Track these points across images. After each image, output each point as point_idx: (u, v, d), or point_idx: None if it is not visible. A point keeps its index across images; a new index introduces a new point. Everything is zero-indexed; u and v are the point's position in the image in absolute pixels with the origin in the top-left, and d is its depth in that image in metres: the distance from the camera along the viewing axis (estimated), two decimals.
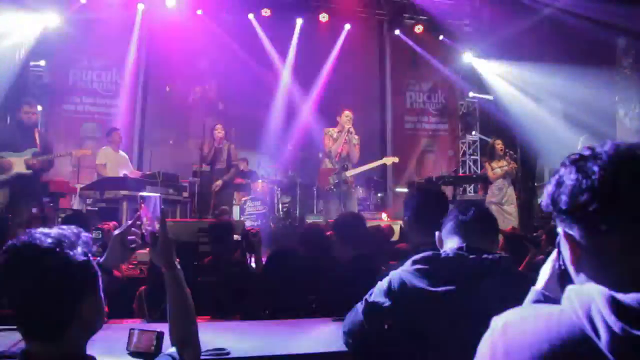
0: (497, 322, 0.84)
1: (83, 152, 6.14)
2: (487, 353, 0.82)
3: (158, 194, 5.98)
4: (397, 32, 9.85)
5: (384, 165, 8.21)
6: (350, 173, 6.86)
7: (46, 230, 1.21)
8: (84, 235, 1.25)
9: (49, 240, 1.17)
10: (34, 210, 5.76)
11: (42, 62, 8.21)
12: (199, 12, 8.77)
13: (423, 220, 2.32)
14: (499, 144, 7.11)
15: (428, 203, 2.38)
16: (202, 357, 1.78)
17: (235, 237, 3.92)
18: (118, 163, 6.74)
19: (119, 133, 7.01)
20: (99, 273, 1.25)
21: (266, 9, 8.83)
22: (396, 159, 7.62)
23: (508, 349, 0.79)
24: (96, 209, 6.09)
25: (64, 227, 1.24)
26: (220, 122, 7.17)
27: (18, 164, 5.33)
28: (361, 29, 9.81)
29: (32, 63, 8.03)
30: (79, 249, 1.20)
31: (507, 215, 6.74)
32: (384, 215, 8.18)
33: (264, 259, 3.55)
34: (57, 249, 1.16)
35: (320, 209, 7.68)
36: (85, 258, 1.20)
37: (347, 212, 3.13)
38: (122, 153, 6.93)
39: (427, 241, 2.29)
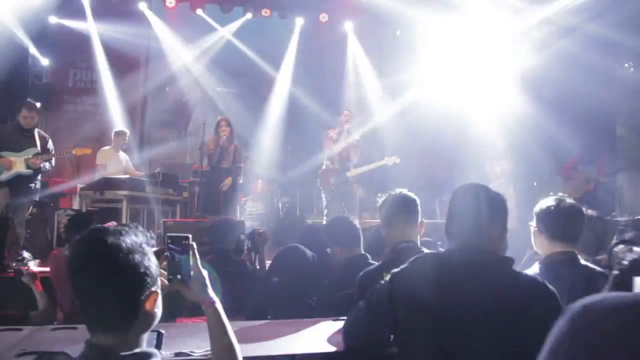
0: (575, 306, 0.78)
1: (84, 152, 6.14)
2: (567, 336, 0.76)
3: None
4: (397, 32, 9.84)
5: (385, 165, 8.21)
6: (351, 174, 6.86)
7: (112, 226, 1.24)
8: (145, 231, 1.29)
9: (120, 237, 1.21)
10: (34, 210, 5.76)
11: (46, 62, 8.21)
12: (199, 10, 8.76)
13: (392, 223, 2.49)
14: (499, 143, 7.09)
15: (394, 206, 2.50)
16: (202, 357, 1.78)
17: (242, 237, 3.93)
18: (118, 163, 6.72)
19: (126, 136, 6.88)
20: (158, 270, 1.29)
21: (266, 9, 8.81)
22: (397, 160, 7.62)
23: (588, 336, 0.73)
24: (96, 209, 6.09)
25: (126, 223, 1.28)
26: (224, 119, 6.89)
27: (18, 164, 5.33)
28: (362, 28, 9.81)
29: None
30: (144, 247, 1.24)
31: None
32: None
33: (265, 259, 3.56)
34: (125, 245, 1.20)
35: (321, 209, 7.68)
36: (150, 256, 1.25)
37: (338, 215, 3.19)
38: (122, 154, 6.89)
39: (405, 239, 2.43)
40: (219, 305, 1.45)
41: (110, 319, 1.20)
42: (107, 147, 6.80)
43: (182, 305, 3.15)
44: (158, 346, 1.78)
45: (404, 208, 2.47)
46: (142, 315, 1.22)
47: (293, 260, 2.94)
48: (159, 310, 1.28)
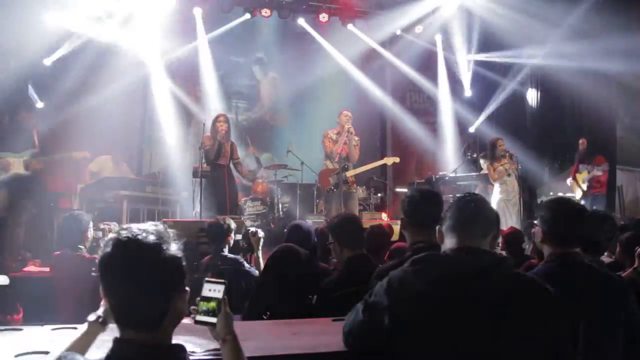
0: None
1: (83, 155, 6.12)
2: None
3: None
4: (398, 32, 9.85)
5: (384, 165, 8.22)
6: (350, 173, 6.86)
7: (144, 226, 1.29)
8: (169, 230, 1.34)
9: (152, 236, 1.26)
10: (33, 210, 5.75)
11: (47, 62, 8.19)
12: (198, 9, 8.75)
13: (416, 220, 2.45)
14: (500, 143, 7.05)
15: (421, 202, 2.45)
16: (201, 357, 1.78)
17: (238, 237, 3.93)
18: (115, 173, 6.60)
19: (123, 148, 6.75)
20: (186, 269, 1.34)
21: (266, 9, 8.81)
22: (397, 159, 7.62)
23: None
24: (96, 209, 6.09)
25: (157, 224, 1.33)
26: (222, 115, 6.81)
27: (16, 165, 5.33)
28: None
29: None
30: (174, 245, 1.30)
31: (513, 207, 6.77)
32: (384, 215, 8.18)
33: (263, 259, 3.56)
34: (159, 245, 1.26)
35: (321, 209, 7.68)
36: (179, 254, 1.30)
37: (342, 213, 3.16)
38: (123, 165, 6.78)
39: (421, 239, 2.37)
40: (238, 341, 1.51)
41: (146, 317, 1.26)
42: (107, 157, 6.70)
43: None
44: None
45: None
46: (173, 312, 1.28)
47: (287, 260, 2.94)
48: (187, 307, 1.35)
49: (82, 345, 1.50)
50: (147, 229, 1.27)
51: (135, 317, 1.26)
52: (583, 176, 7.76)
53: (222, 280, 1.53)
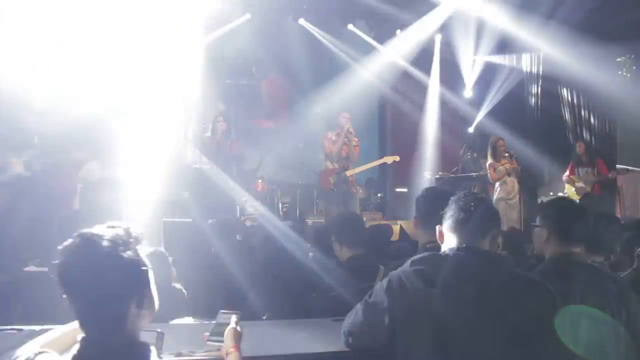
0: None
1: (82, 155, 6.08)
2: None
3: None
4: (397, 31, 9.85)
5: (385, 165, 8.21)
6: (350, 172, 6.86)
7: (99, 229, 1.29)
8: (134, 231, 1.33)
9: (105, 241, 1.26)
10: (34, 211, 5.74)
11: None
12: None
13: (429, 220, 2.36)
14: (501, 143, 7.05)
15: (435, 202, 2.37)
16: (201, 357, 1.79)
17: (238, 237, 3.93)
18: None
19: (114, 151, 6.63)
20: (150, 267, 1.35)
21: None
22: (397, 158, 7.60)
23: None
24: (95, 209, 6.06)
25: (115, 225, 1.32)
26: (221, 115, 6.81)
27: (17, 165, 5.32)
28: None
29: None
30: (131, 247, 1.29)
31: (512, 209, 6.75)
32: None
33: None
34: (113, 249, 1.26)
35: (321, 209, 7.67)
36: (137, 255, 1.30)
37: (344, 212, 3.13)
38: (114, 169, 6.65)
39: (434, 239, 2.33)
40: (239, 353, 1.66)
41: (105, 320, 1.27)
42: (93, 163, 6.57)
43: (182, 307, 3.17)
44: (159, 346, 1.78)
45: None
46: (135, 313, 1.29)
47: (284, 260, 2.95)
48: (152, 307, 1.35)
49: (61, 343, 1.52)
50: (101, 233, 1.27)
51: (96, 321, 1.28)
52: (580, 181, 7.61)
53: (236, 312, 1.86)
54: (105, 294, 1.25)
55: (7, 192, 5.31)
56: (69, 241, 1.28)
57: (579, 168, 7.72)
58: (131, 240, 1.31)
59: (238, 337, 1.72)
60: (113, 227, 1.31)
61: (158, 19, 7.81)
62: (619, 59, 7.99)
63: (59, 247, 1.28)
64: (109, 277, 1.25)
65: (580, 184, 7.54)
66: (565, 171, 7.74)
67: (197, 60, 9.01)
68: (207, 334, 1.81)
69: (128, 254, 1.28)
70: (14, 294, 3.65)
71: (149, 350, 1.32)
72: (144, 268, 1.32)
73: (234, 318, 1.82)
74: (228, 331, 1.73)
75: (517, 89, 9.48)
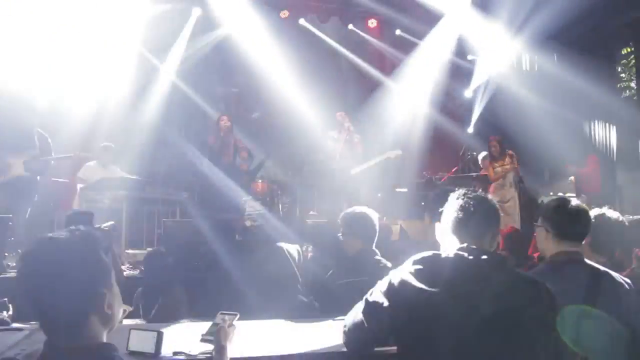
0: None
1: (84, 155, 6.08)
2: None
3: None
4: (398, 32, 9.84)
5: (384, 165, 8.20)
6: (355, 171, 6.85)
7: (60, 232, 1.29)
8: (96, 232, 1.33)
9: (64, 242, 1.26)
10: (34, 210, 5.74)
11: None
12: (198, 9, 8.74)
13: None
14: (496, 144, 7.04)
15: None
16: (201, 357, 1.80)
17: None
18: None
19: (111, 150, 6.59)
20: (112, 268, 1.34)
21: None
22: (399, 152, 7.56)
23: None
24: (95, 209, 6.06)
25: (76, 227, 1.31)
26: (225, 115, 6.80)
27: (16, 166, 5.31)
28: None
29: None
30: (92, 247, 1.29)
31: (507, 216, 6.72)
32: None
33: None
34: (72, 250, 1.25)
35: (321, 209, 7.67)
36: (98, 255, 1.29)
37: (355, 208, 3.11)
38: (113, 168, 6.62)
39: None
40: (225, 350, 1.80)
41: (65, 322, 1.26)
42: (93, 163, 6.56)
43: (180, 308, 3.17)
44: (158, 346, 1.78)
45: None
46: (97, 315, 1.28)
47: (273, 259, 2.95)
48: (116, 309, 1.34)
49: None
50: (60, 235, 1.27)
51: (56, 325, 1.27)
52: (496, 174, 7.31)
53: (234, 313, 2.02)
54: (64, 295, 1.24)
55: (7, 192, 5.30)
56: (28, 247, 1.28)
57: (496, 164, 7.44)
58: (92, 240, 1.30)
59: (226, 336, 1.84)
60: (73, 230, 1.30)
61: (158, 19, 7.83)
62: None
63: (20, 253, 1.29)
64: (67, 278, 1.24)
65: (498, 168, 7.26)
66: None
67: (198, 60, 9.06)
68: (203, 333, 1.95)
69: (88, 254, 1.27)
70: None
71: (115, 350, 1.31)
72: (105, 268, 1.31)
73: (228, 318, 1.94)
74: (217, 330, 1.86)
75: (518, 87, 9.49)
